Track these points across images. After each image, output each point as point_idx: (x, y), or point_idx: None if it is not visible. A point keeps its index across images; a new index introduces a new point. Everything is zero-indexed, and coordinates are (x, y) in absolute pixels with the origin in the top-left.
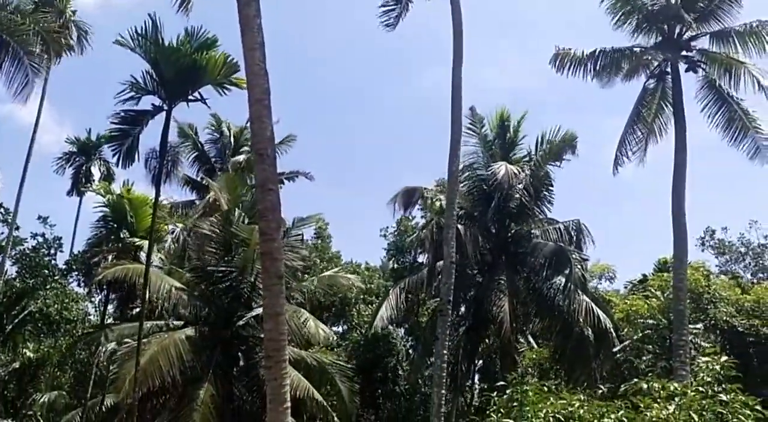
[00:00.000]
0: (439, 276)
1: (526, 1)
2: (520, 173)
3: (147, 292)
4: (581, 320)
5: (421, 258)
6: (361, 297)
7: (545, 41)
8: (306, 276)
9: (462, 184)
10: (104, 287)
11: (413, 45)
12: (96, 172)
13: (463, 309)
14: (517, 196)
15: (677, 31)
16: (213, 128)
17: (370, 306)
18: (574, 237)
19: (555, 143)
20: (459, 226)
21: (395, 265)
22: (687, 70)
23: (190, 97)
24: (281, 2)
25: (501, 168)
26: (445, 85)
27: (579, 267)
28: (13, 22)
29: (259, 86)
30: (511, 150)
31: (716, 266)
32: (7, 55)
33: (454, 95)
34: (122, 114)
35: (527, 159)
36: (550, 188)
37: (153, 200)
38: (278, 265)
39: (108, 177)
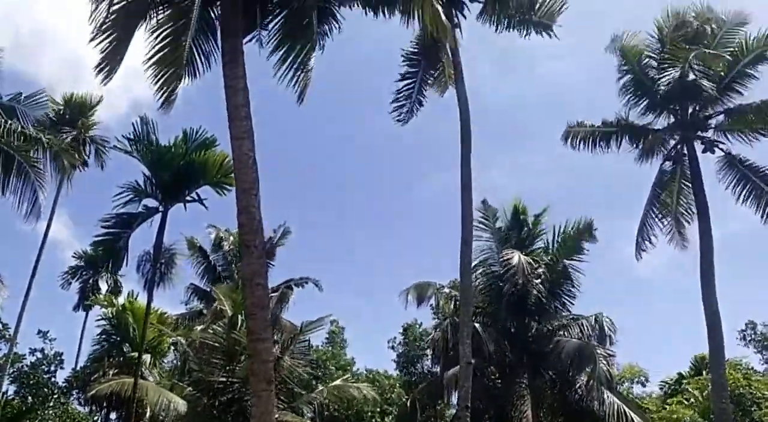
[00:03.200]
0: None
1: (528, 112)
2: (535, 265)
3: (136, 406)
4: None
5: (435, 366)
6: (378, 409)
7: (549, 141)
8: (318, 384)
9: (475, 281)
10: (104, 404)
11: (426, 147)
12: (104, 285)
13: (486, 417)
14: (535, 291)
15: (690, 110)
16: (217, 237)
17: (387, 417)
18: (598, 332)
19: (569, 234)
20: (476, 325)
21: (407, 377)
22: (704, 151)
23: (187, 198)
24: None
25: (514, 255)
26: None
27: (605, 363)
28: (17, 138)
29: (247, 176)
30: (527, 244)
31: (760, 362)
32: (13, 170)
33: (464, 184)
34: (113, 217)
35: (544, 253)
36: (570, 282)
37: (157, 311)
38: (268, 368)
39: (115, 290)
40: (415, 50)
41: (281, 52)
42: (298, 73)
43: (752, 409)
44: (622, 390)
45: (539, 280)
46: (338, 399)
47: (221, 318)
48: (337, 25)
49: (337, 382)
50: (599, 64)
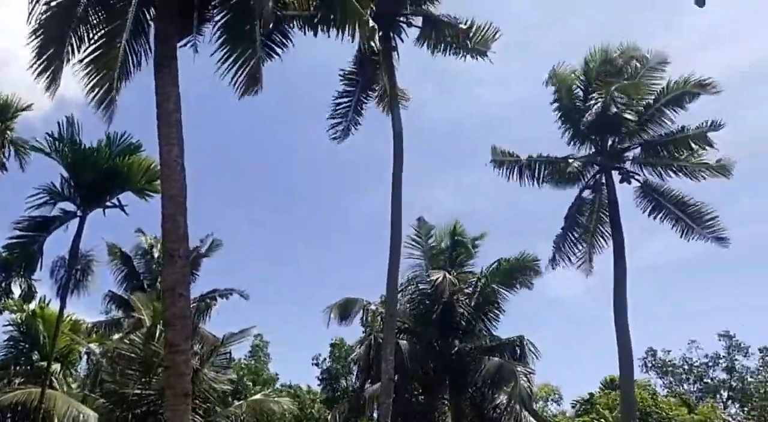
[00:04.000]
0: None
1: (473, 133)
2: (462, 286)
3: (43, 417)
4: None
5: (359, 381)
6: None
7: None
8: (234, 400)
9: (405, 298)
10: (8, 415)
11: (368, 161)
12: (17, 289)
13: None
14: (461, 310)
15: (610, 143)
16: (143, 244)
17: None
18: (518, 353)
19: (509, 261)
20: (402, 342)
21: (330, 394)
22: (621, 181)
23: (108, 204)
24: (228, 119)
25: (440, 274)
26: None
27: (525, 379)
28: None
29: (175, 182)
30: (459, 265)
31: (661, 387)
32: None
33: (394, 202)
34: (27, 220)
35: (479, 276)
36: (497, 306)
37: (71, 318)
38: (185, 381)
39: (29, 295)
40: (353, 70)
41: (222, 57)
42: (240, 76)
43: None
44: (538, 408)
45: (466, 300)
46: (257, 413)
47: (140, 328)
48: (284, 37)
49: (257, 397)
50: (537, 90)
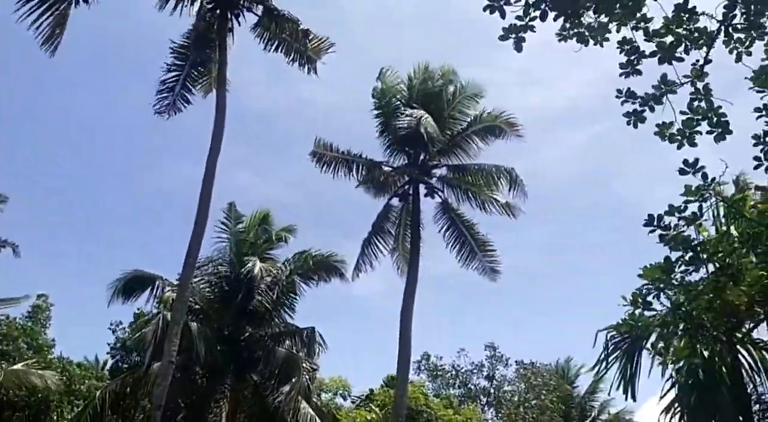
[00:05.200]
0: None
1: (287, 120)
2: (263, 273)
3: None
4: None
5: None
6: (66, 399)
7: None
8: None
9: (203, 279)
10: None
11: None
12: None
13: (181, 416)
14: (259, 297)
15: (421, 157)
16: None
17: (76, 409)
18: (308, 345)
19: (313, 256)
20: (193, 324)
21: (120, 364)
22: (426, 195)
23: None
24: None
25: (255, 263)
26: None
27: (307, 377)
28: None
29: None
30: (264, 252)
31: (431, 390)
32: None
33: (205, 183)
34: None
35: (280, 266)
36: (294, 296)
37: None
38: None
39: None
40: (185, 44)
41: None
42: (45, 20)
43: None
44: (327, 400)
45: (266, 288)
46: (15, 386)
47: None
48: None
49: (18, 366)
50: (362, 93)
